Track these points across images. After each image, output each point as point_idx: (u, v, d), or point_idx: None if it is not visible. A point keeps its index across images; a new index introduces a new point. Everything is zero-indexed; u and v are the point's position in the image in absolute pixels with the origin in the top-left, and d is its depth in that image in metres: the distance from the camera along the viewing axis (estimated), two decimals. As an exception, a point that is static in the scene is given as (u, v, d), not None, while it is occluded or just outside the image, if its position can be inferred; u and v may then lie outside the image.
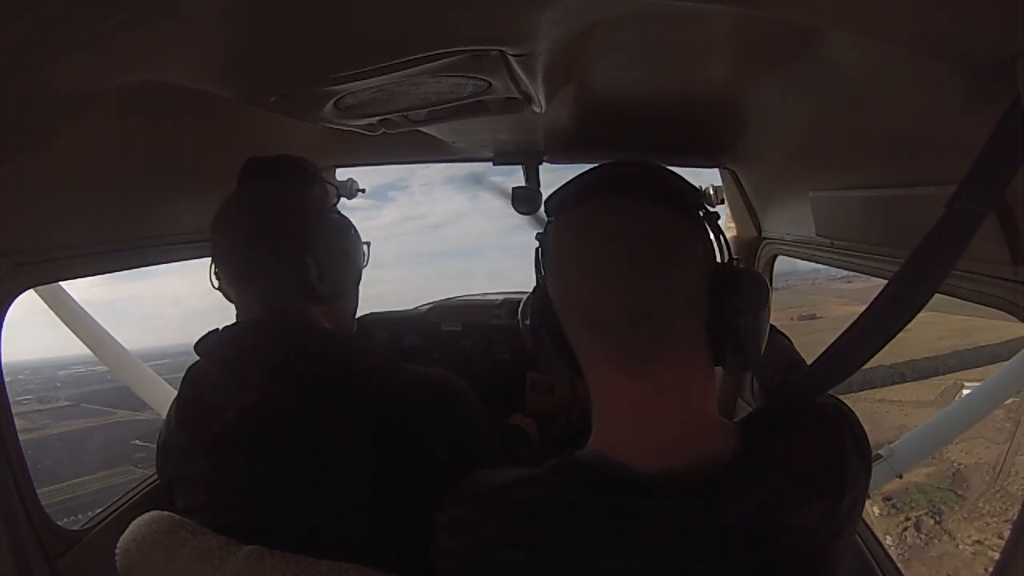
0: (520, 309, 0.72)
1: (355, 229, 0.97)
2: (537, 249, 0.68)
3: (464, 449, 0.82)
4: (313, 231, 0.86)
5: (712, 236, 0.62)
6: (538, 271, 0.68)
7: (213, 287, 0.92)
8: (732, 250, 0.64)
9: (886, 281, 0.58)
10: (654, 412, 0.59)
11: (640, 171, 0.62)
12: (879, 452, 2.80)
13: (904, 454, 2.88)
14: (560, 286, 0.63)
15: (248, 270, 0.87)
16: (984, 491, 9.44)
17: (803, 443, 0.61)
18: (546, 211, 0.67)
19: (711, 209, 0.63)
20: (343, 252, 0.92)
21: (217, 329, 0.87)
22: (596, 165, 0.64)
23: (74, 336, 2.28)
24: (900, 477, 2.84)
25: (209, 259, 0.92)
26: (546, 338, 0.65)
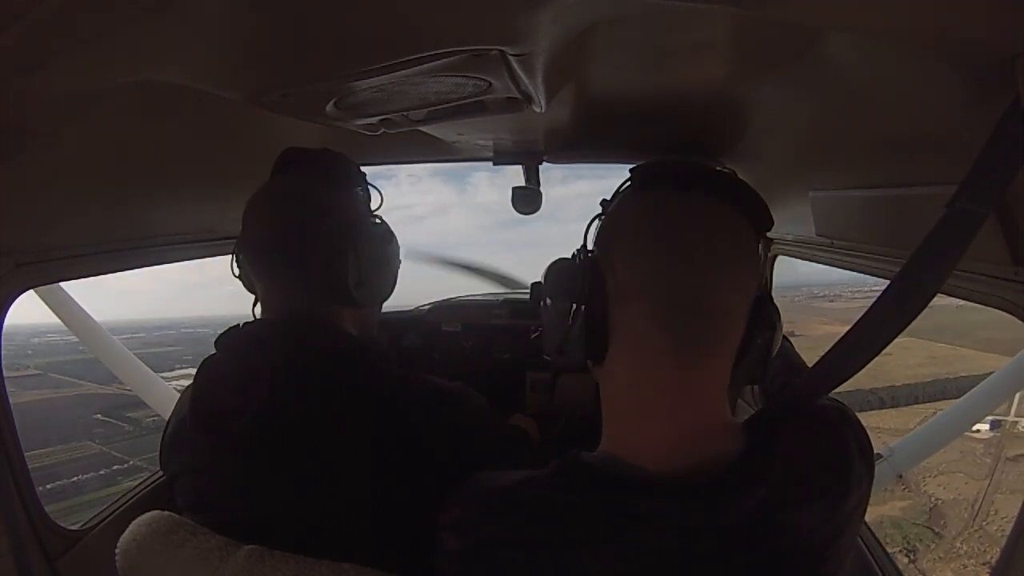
0: (546, 280, 0.69)
1: (395, 236, 0.95)
2: (597, 216, 0.67)
3: (465, 450, 0.82)
4: (356, 234, 0.85)
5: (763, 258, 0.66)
6: (587, 242, 0.66)
7: (233, 275, 0.91)
8: None
9: (879, 291, 0.58)
10: (679, 408, 0.59)
11: (737, 183, 0.64)
12: (879, 452, 2.81)
13: (904, 454, 2.88)
14: (631, 259, 0.61)
15: (279, 266, 0.85)
16: (962, 530, 9.12)
17: (805, 444, 0.61)
18: (632, 179, 0.66)
19: (768, 235, 0.66)
20: (384, 258, 0.91)
21: (238, 325, 0.86)
22: (695, 161, 0.65)
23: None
24: (900, 477, 2.84)
25: (210, 256, 0.91)
26: (581, 314, 0.63)
